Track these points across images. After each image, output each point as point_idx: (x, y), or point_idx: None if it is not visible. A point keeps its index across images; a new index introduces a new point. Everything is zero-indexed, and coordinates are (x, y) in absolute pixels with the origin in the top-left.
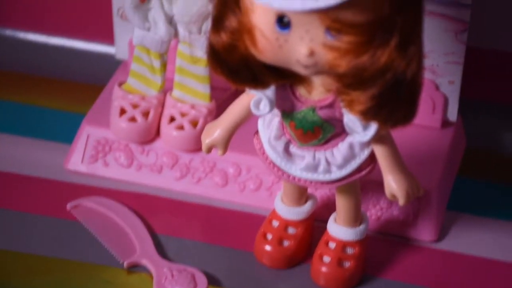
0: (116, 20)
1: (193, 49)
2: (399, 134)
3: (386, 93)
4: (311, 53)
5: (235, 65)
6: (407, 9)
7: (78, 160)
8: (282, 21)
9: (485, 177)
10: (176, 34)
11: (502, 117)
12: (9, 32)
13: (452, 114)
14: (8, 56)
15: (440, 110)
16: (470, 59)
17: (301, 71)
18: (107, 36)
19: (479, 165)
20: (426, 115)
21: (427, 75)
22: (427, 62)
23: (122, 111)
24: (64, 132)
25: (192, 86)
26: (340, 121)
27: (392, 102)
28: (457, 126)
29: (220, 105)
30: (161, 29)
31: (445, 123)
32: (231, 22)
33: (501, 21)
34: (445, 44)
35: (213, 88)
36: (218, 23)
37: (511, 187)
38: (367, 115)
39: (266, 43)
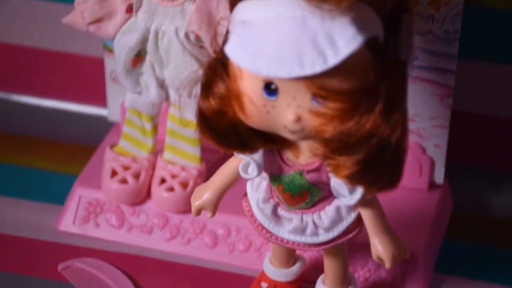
0: (109, 83)
1: (184, 113)
2: (386, 196)
3: (371, 158)
4: (298, 119)
5: (224, 130)
6: (391, 78)
7: (70, 221)
8: (270, 88)
9: (472, 239)
10: (167, 97)
11: (488, 180)
12: (2, 95)
13: (439, 176)
14: (1, 118)
15: (426, 172)
16: (456, 123)
17: (288, 136)
18: (100, 99)
19: (466, 227)
20: (413, 177)
21: (414, 139)
22: (414, 126)
23: (114, 173)
24: (57, 193)
25: (183, 148)
26: (327, 184)
27: (377, 167)
28: (444, 188)
29: (210, 167)
30: (152, 93)
31: (432, 185)
32: (220, 88)
33: (486, 86)
34: (431, 109)
35: (203, 150)
36: (207, 89)
37: (498, 248)
38: (352, 180)
39: (254, 109)
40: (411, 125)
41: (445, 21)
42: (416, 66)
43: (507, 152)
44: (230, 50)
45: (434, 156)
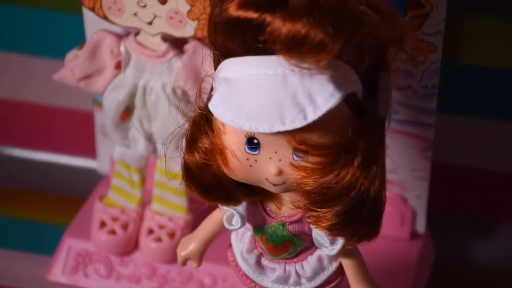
0: (99, 137)
1: (170, 165)
2: (369, 246)
3: (350, 210)
4: (280, 173)
5: (208, 183)
6: (369, 133)
7: (60, 271)
8: (252, 143)
9: None
10: (155, 150)
11: (469, 229)
12: None
13: (420, 226)
14: None
15: (408, 222)
16: (437, 174)
17: (271, 189)
18: (90, 152)
19: (448, 276)
20: (395, 227)
21: (395, 190)
22: (395, 178)
23: (102, 224)
24: (46, 243)
25: (170, 199)
26: (309, 235)
27: (356, 219)
28: (426, 238)
29: (197, 217)
30: (140, 146)
31: (414, 235)
32: (204, 143)
33: (465, 138)
34: (412, 161)
35: (190, 201)
36: (191, 143)
37: None
38: (333, 231)
39: (237, 163)
40: (393, 177)
41: (423, 77)
42: (397, 120)
43: (488, 202)
44: (214, 106)
45: (416, 206)
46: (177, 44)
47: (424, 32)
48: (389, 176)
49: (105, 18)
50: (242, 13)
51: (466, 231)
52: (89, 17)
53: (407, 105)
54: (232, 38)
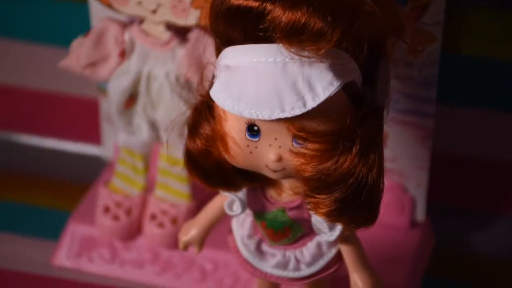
0: (104, 124)
1: (173, 152)
2: (368, 233)
3: (348, 197)
4: (279, 159)
5: (209, 169)
6: (367, 121)
7: (64, 256)
8: (252, 129)
9: (453, 277)
10: (158, 137)
11: (469, 218)
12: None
13: (420, 215)
14: None
15: (408, 211)
16: (437, 163)
17: (271, 175)
18: (95, 138)
19: (447, 265)
20: (394, 216)
21: (395, 178)
22: (395, 166)
23: (106, 210)
24: (51, 229)
25: (173, 186)
26: (308, 221)
27: (354, 205)
28: (425, 226)
29: (199, 203)
30: (144, 133)
31: (413, 223)
32: (205, 129)
33: (465, 128)
34: (412, 150)
35: (193, 188)
36: (193, 130)
37: (480, 287)
38: (331, 217)
39: (238, 149)
40: (393, 165)
41: (423, 67)
42: (397, 109)
43: (487, 192)
44: (215, 93)
45: (415, 195)
46: (181, 32)
47: (424, 22)
48: (389, 164)
49: (110, 6)
50: (243, 2)
51: (465, 220)
52: (94, 5)
53: (407, 94)
54: (233, 26)
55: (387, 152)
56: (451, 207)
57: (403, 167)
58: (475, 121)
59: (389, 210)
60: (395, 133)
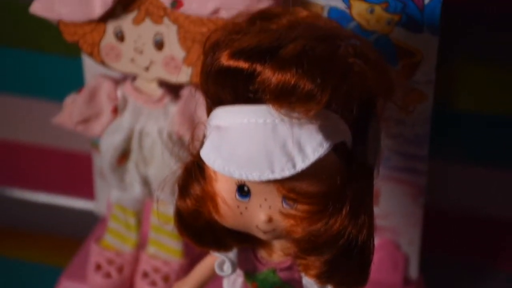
0: (97, 178)
1: (166, 209)
2: None
3: (339, 258)
4: (269, 220)
5: (200, 230)
6: (357, 182)
7: None
8: (243, 190)
9: None
10: (150, 194)
11: (462, 274)
12: None
13: (413, 272)
14: None
15: (401, 268)
16: (430, 219)
17: (261, 236)
18: (88, 193)
19: None
20: (387, 273)
21: (388, 236)
22: (388, 223)
23: (98, 267)
24: (43, 285)
25: (166, 243)
26: (299, 282)
27: (345, 267)
28: (419, 283)
29: (192, 261)
30: (136, 190)
31: (407, 280)
32: (196, 190)
33: (458, 184)
34: (404, 207)
35: (186, 245)
36: (183, 190)
37: None
38: (321, 279)
39: (228, 210)
40: (385, 223)
41: (415, 125)
42: (389, 167)
43: (480, 248)
44: (205, 154)
45: (409, 252)
46: (173, 89)
47: (415, 81)
48: (381, 221)
49: (103, 63)
50: (233, 63)
51: (459, 276)
52: (88, 61)
53: (399, 152)
54: (224, 87)
55: (380, 209)
56: (444, 263)
57: (395, 224)
58: (468, 177)
59: (382, 267)
60: (387, 190)
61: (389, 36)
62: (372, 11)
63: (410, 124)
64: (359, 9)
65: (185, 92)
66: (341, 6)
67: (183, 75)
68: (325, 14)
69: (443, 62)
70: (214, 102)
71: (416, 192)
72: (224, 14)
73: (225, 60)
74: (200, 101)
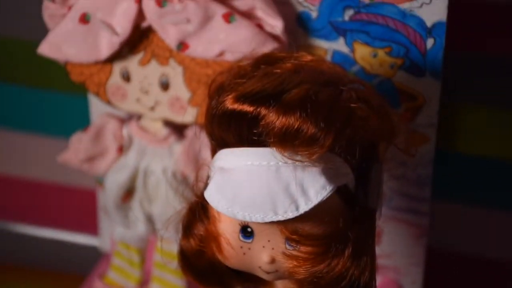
0: (101, 215)
1: (170, 247)
2: None
3: None
4: (272, 261)
5: (203, 269)
6: (359, 224)
7: None
8: (246, 231)
9: None
10: (154, 231)
11: None
12: None
13: None
14: None
15: None
16: (432, 260)
17: (264, 276)
18: (92, 229)
19: None
20: None
21: (391, 275)
22: (391, 263)
23: None
24: None
25: (169, 280)
26: None
27: None
28: None
29: None
30: (140, 227)
31: None
32: (199, 230)
33: (461, 225)
34: (406, 247)
35: (189, 282)
36: (187, 230)
37: None
38: None
39: (231, 251)
40: (388, 262)
41: (417, 167)
42: (392, 207)
43: (482, 287)
44: (209, 195)
45: None
46: (178, 128)
47: (418, 124)
48: (384, 261)
49: (109, 102)
50: (237, 106)
51: None
52: (94, 100)
53: (402, 193)
54: (228, 129)
55: (382, 249)
56: None
57: (398, 264)
58: (470, 218)
59: None
60: (390, 230)
61: (392, 80)
62: (375, 55)
63: (412, 165)
64: (362, 53)
65: (189, 132)
66: (345, 50)
67: (188, 115)
68: (328, 57)
69: (445, 104)
70: (218, 143)
71: (419, 233)
72: (229, 57)
73: (230, 103)
74: (204, 141)
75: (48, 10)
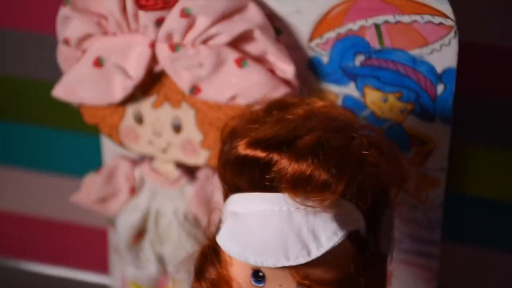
0: (112, 254)
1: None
2: None
3: None
4: None
5: None
6: (371, 269)
7: None
8: (258, 275)
9: None
10: (165, 272)
11: None
12: (8, 262)
13: None
14: (7, 284)
15: None
16: None
17: None
18: (103, 268)
19: None
20: None
21: None
22: None
23: None
24: None
25: None
26: None
27: None
28: None
29: None
30: (152, 268)
31: None
32: (211, 274)
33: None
34: None
35: None
36: (199, 273)
37: None
38: None
39: None
40: None
41: (427, 210)
42: (402, 250)
43: None
44: (222, 240)
45: None
46: (190, 170)
47: (428, 168)
48: None
49: (121, 144)
50: (250, 152)
51: None
52: (106, 141)
53: (412, 236)
54: (241, 174)
55: None
56: None
57: None
58: (481, 260)
59: None
60: (400, 273)
61: (402, 125)
62: (385, 100)
63: (422, 209)
64: (373, 98)
65: (201, 174)
66: (356, 94)
67: (200, 157)
68: (339, 101)
69: (454, 147)
70: (231, 188)
71: (429, 276)
72: (241, 101)
73: (242, 149)
74: (217, 184)
75: (63, 54)
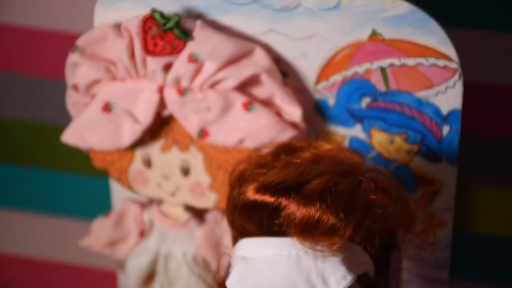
0: None
1: None
2: None
3: None
4: None
5: None
6: None
7: None
8: None
9: None
10: None
11: None
12: None
13: None
14: None
15: None
16: None
17: None
18: None
19: None
20: None
21: None
22: None
23: None
24: None
25: None
26: None
27: None
28: None
29: None
30: None
31: None
32: None
33: None
34: None
35: None
36: None
37: None
38: None
39: None
40: None
41: (435, 250)
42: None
43: None
44: (231, 285)
45: None
46: (199, 213)
47: (435, 208)
48: None
49: (130, 188)
50: (259, 197)
51: None
52: (116, 184)
53: (420, 276)
54: (249, 219)
55: None
56: None
57: None
58: None
59: None
60: None
61: (408, 165)
62: (392, 142)
63: (430, 249)
64: (379, 139)
65: (210, 217)
66: (362, 136)
67: (209, 200)
68: (346, 143)
69: (461, 186)
70: (240, 232)
71: None
72: (249, 144)
73: (251, 194)
74: (225, 227)
75: (72, 99)
